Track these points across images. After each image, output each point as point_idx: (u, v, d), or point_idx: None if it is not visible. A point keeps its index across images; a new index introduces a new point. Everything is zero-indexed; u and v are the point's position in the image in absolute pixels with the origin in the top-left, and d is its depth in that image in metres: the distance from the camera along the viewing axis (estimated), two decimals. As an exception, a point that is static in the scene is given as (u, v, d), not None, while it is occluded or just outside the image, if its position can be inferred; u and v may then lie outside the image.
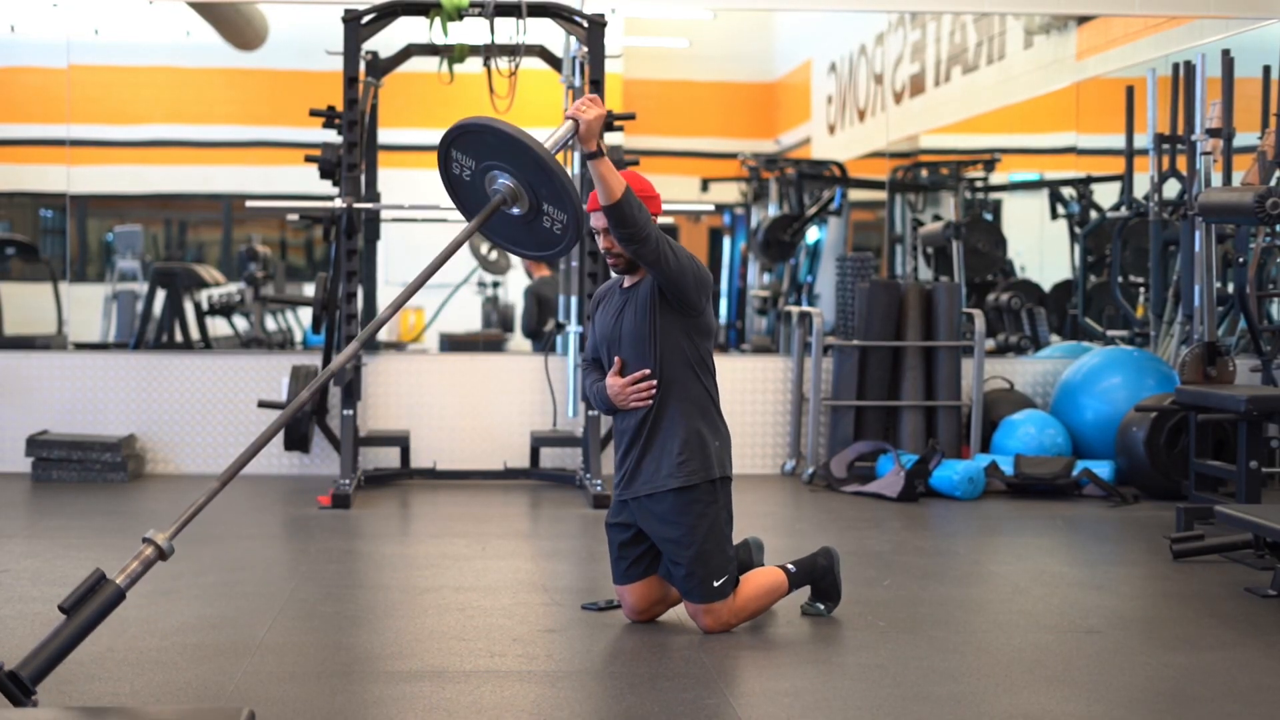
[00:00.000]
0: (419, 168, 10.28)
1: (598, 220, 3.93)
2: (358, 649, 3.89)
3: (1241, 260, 6.54)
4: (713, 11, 10.13)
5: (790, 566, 4.14)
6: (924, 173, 10.11)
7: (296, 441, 6.92)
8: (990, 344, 8.52)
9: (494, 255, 10.20)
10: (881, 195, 9.88)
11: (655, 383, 3.93)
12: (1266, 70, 7.25)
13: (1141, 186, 7.76)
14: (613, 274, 4.12)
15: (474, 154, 3.61)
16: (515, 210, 3.62)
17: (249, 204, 7.35)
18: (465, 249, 10.24)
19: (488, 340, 9.95)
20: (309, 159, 6.63)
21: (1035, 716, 3.28)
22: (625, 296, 4.03)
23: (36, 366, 7.26)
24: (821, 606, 4.19)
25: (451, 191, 3.73)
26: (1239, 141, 7.03)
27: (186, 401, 7.23)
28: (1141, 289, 8.36)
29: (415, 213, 9.31)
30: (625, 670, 3.67)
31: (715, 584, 3.93)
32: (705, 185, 10.96)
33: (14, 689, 2.85)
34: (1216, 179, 6.99)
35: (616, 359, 3.99)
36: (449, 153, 3.65)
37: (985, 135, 10.25)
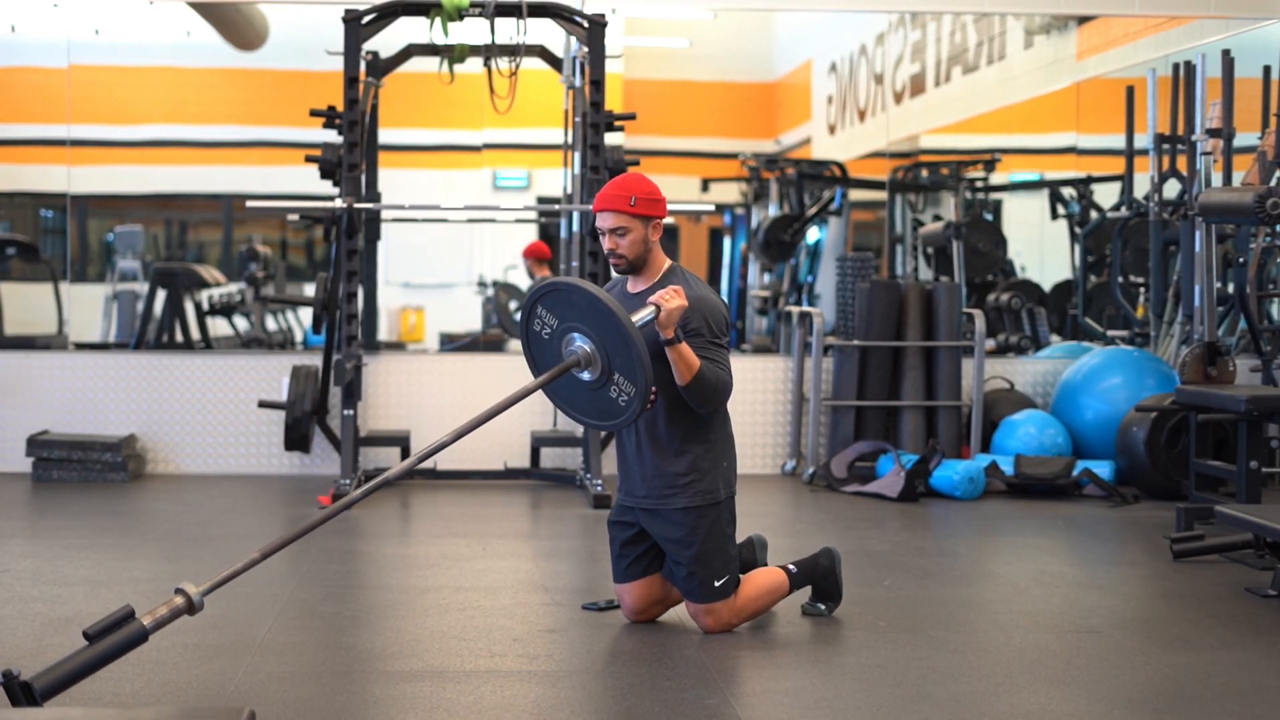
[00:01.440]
0: (419, 168, 10.32)
1: (602, 221, 3.92)
2: (358, 649, 3.89)
3: (1241, 260, 6.54)
4: (713, 11, 10.14)
5: (791, 567, 4.14)
6: (924, 173, 10.11)
7: (297, 441, 6.92)
8: (990, 344, 8.52)
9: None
10: (882, 195, 9.88)
11: (654, 388, 3.92)
12: (1267, 70, 7.26)
13: (1142, 187, 7.76)
14: (614, 274, 4.10)
15: (558, 313, 3.67)
16: (586, 375, 3.66)
17: (249, 204, 7.35)
18: (460, 246, 10.26)
19: (488, 340, 9.95)
20: (309, 159, 6.63)
21: (1035, 716, 3.28)
22: (633, 303, 4.00)
23: (37, 366, 7.26)
24: (822, 606, 4.19)
25: (526, 346, 3.80)
26: (1239, 141, 7.03)
27: (187, 401, 7.23)
28: (1142, 289, 8.37)
29: (415, 213, 9.32)
30: (625, 670, 3.67)
31: (716, 584, 3.93)
32: (706, 185, 10.97)
33: (21, 696, 2.89)
34: (1217, 179, 7.00)
35: None
36: (534, 308, 3.71)
37: (985, 135, 10.25)
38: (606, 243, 3.93)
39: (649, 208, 3.88)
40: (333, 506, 3.40)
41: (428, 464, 7.07)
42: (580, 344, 3.63)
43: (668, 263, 3.97)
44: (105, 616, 3.06)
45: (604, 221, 3.91)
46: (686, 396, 3.82)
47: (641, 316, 3.73)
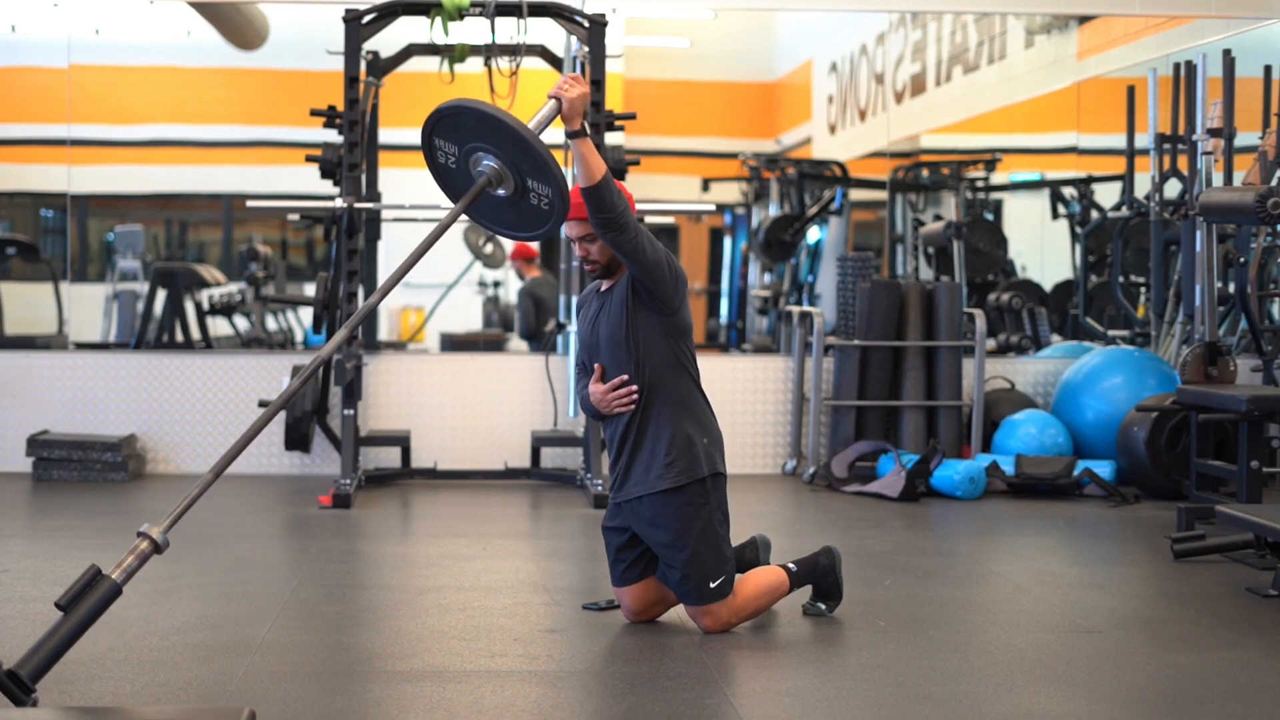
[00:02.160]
0: (420, 167, 10.32)
1: (571, 229, 3.90)
2: (358, 649, 3.89)
3: (1242, 260, 6.54)
4: (713, 11, 10.13)
5: (791, 566, 4.13)
6: (925, 172, 10.11)
7: (297, 441, 6.92)
8: (991, 344, 8.52)
9: (489, 249, 10.18)
10: (882, 195, 9.88)
11: (636, 388, 3.91)
12: (1267, 70, 7.26)
13: (1142, 186, 7.76)
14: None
15: (455, 139, 3.58)
16: (501, 191, 3.58)
17: (249, 204, 7.35)
18: (461, 245, 10.26)
19: (488, 340, 9.95)
20: (310, 159, 6.63)
21: (1036, 716, 3.28)
22: (601, 301, 4.00)
23: (37, 366, 7.26)
24: (823, 606, 4.19)
25: (441, 181, 3.70)
26: (1240, 141, 7.03)
27: (187, 401, 7.23)
28: (1142, 289, 8.36)
29: (416, 212, 9.32)
30: (626, 670, 3.67)
31: (711, 585, 3.92)
32: (706, 185, 10.96)
33: (13, 688, 2.84)
34: (1217, 179, 6.99)
35: (597, 365, 3.98)
36: (432, 141, 3.63)
37: (986, 135, 10.25)
38: (578, 250, 3.92)
39: None
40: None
41: (427, 464, 7.08)
42: (488, 163, 3.55)
43: None
44: (73, 582, 2.98)
45: (572, 230, 3.89)
46: (588, 202, 3.72)
47: (541, 115, 3.66)
